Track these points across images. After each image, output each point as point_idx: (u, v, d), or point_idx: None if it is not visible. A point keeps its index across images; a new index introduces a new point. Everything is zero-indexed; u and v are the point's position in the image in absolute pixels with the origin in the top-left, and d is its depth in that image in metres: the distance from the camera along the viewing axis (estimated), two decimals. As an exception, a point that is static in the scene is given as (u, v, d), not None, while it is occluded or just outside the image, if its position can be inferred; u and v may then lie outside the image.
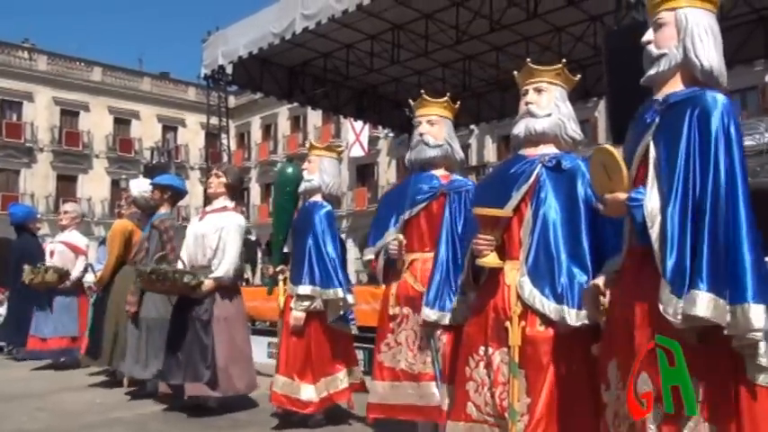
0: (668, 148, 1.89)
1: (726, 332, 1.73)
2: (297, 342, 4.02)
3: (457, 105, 3.52)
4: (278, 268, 4.39)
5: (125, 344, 5.23)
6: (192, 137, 33.72)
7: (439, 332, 3.10)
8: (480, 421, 2.45)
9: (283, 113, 31.65)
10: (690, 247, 1.77)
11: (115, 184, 29.37)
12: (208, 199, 4.96)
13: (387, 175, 27.52)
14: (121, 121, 32.43)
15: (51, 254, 7.05)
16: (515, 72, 2.72)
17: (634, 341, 1.88)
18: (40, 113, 29.73)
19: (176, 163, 27.73)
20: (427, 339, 3.18)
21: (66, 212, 7.38)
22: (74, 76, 30.99)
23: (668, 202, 1.82)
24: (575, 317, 2.31)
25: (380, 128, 20.57)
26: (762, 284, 1.73)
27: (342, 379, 4.08)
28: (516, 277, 2.43)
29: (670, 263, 1.78)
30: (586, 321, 2.29)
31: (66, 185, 30.28)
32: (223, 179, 4.72)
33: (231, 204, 4.76)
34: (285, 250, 4.42)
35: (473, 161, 23.80)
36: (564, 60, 2.70)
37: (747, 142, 10.45)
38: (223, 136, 13.32)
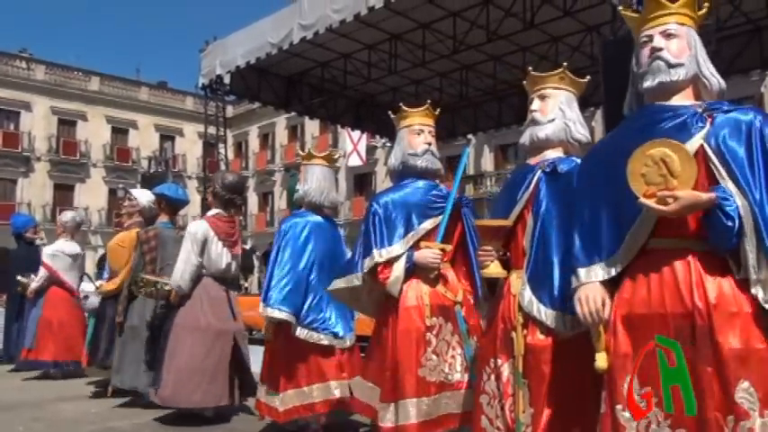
0: (738, 152, 1.89)
1: None
2: (271, 353, 4.01)
3: (437, 112, 3.52)
4: None
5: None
6: (189, 146, 33.77)
7: (474, 339, 3.08)
8: None
9: (281, 123, 31.71)
10: None
11: (112, 193, 29.38)
12: (203, 207, 4.96)
13: (384, 184, 27.54)
14: (119, 131, 32.47)
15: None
16: (524, 82, 2.73)
17: (707, 348, 1.79)
18: (38, 123, 29.76)
19: (173, 172, 27.70)
20: (464, 346, 3.15)
21: (59, 222, 7.45)
22: (71, 86, 31.06)
23: (755, 200, 1.81)
24: (570, 324, 2.28)
25: (378, 137, 20.61)
26: None
27: (307, 394, 3.89)
28: (520, 286, 2.43)
29: None
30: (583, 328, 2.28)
31: (63, 195, 30.27)
32: (211, 188, 4.73)
33: (214, 212, 4.67)
34: None
35: (470, 171, 23.84)
36: (565, 63, 2.69)
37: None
38: (220, 145, 13.33)
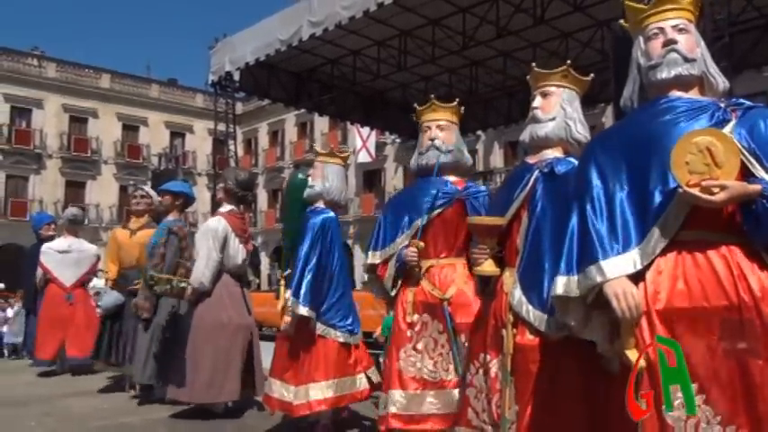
0: (765, 142, 1.89)
1: None
2: (290, 347, 3.99)
3: (462, 110, 3.49)
4: (285, 273, 4.38)
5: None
6: (199, 143, 33.86)
7: (463, 337, 3.07)
8: (477, 428, 2.47)
9: (290, 120, 31.74)
10: None
11: (123, 190, 29.50)
12: (213, 204, 4.96)
13: (394, 181, 27.51)
14: (130, 128, 32.60)
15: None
16: (528, 78, 2.71)
17: (756, 341, 1.76)
18: (50, 120, 29.93)
19: (184, 169, 27.75)
20: (451, 345, 3.15)
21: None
22: (83, 84, 31.21)
23: None
24: (556, 326, 2.24)
25: (387, 134, 20.57)
26: None
27: (328, 387, 3.93)
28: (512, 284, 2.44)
29: None
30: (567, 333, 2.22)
31: (74, 191, 30.43)
32: (222, 184, 4.74)
33: (227, 209, 4.72)
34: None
35: (480, 167, 23.77)
36: (569, 62, 2.67)
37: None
38: (230, 142, 13.35)
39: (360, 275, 19.50)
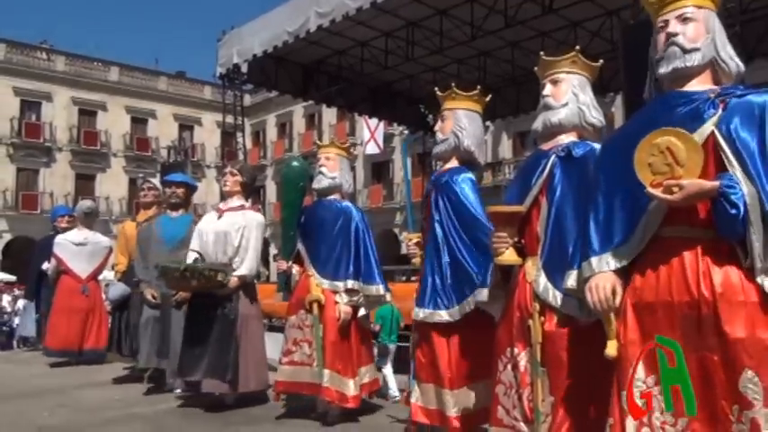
0: (748, 138, 1.85)
1: None
2: (341, 336, 4.06)
3: (475, 96, 3.39)
4: (289, 264, 4.34)
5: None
6: (208, 136, 33.93)
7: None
8: (509, 426, 2.39)
9: (298, 111, 31.73)
10: None
11: (133, 182, 29.63)
12: (222, 196, 4.97)
13: (402, 172, 27.49)
14: (138, 121, 32.70)
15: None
16: (535, 68, 2.69)
17: (712, 337, 1.77)
18: (59, 113, 30.07)
19: (192, 161, 27.89)
20: None
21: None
22: (91, 77, 31.31)
23: (765, 190, 1.78)
24: (588, 310, 2.22)
25: (395, 125, 20.54)
26: None
27: (365, 374, 4.17)
28: (535, 273, 2.40)
29: None
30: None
31: (84, 184, 30.60)
32: (239, 177, 4.73)
33: (247, 202, 4.78)
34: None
35: (488, 157, 23.70)
36: (578, 47, 2.64)
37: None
38: (239, 134, 13.37)
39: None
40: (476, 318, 2.97)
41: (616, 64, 7.87)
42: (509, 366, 2.43)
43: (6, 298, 17.68)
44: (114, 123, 31.60)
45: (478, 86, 3.42)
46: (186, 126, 34.13)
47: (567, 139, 2.53)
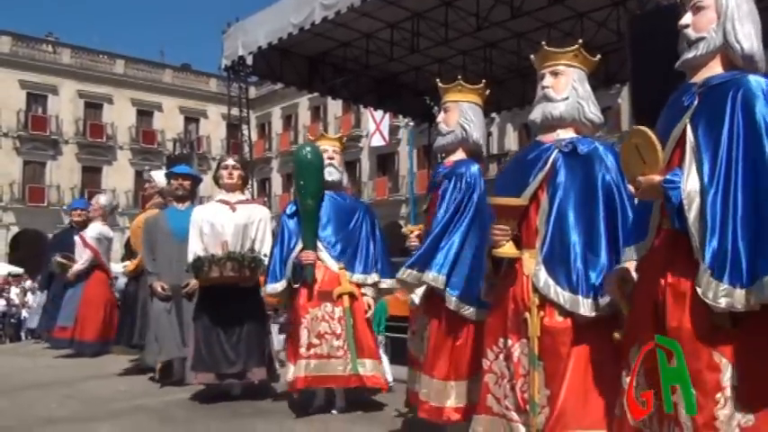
0: (708, 132, 1.85)
1: None
2: (367, 327, 4.13)
3: (480, 89, 3.41)
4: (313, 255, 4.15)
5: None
6: (213, 128, 33.96)
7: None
8: (499, 415, 2.41)
9: (303, 104, 31.71)
10: (741, 230, 1.72)
11: (139, 175, 29.68)
12: (225, 189, 4.85)
13: (407, 164, 27.45)
14: (144, 113, 32.74)
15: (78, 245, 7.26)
16: (532, 56, 2.68)
17: (663, 323, 1.84)
18: (65, 106, 30.13)
19: (198, 154, 27.92)
20: None
21: (91, 205, 7.59)
22: (97, 69, 31.34)
23: (710, 186, 1.79)
24: (589, 307, 2.27)
25: (401, 117, 20.50)
26: None
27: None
28: (533, 267, 2.40)
29: (710, 248, 1.75)
30: (605, 311, 2.25)
31: (91, 177, 30.70)
32: (241, 171, 4.79)
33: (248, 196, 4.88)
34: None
35: (494, 149, 23.63)
36: (580, 41, 2.63)
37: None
38: (244, 127, 13.36)
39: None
40: None
41: (622, 55, 7.81)
42: (501, 357, 2.44)
43: (14, 290, 17.77)
44: (120, 116, 31.64)
45: (483, 80, 3.41)
46: (192, 118, 34.16)
47: (564, 133, 2.53)
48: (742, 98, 1.82)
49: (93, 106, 31.22)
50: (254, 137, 25.44)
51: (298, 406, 4.21)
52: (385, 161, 28.87)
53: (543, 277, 2.35)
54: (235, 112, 13.20)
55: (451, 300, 3.00)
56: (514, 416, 2.36)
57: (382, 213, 25.29)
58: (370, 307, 4.15)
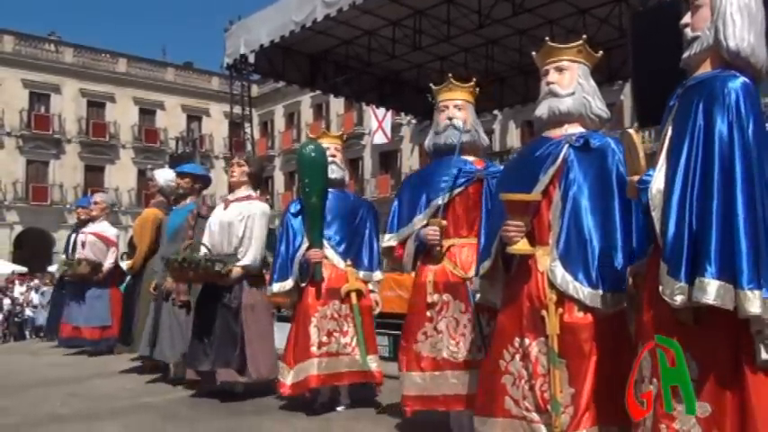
0: (678, 133, 1.87)
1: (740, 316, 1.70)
2: (372, 324, 4.21)
3: (477, 90, 3.49)
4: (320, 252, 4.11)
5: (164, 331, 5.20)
6: (215, 126, 33.96)
7: (487, 317, 3.03)
8: (519, 417, 2.35)
9: (306, 102, 31.70)
10: (688, 229, 1.75)
11: (142, 173, 29.70)
12: (230, 188, 4.97)
13: (410, 161, 27.44)
14: (146, 112, 32.76)
15: (83, 245, 7.17)
16: (533, 53, 2.67)
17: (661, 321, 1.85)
18: (68, 105, 30.15)
19: (201, 152, 27.93)
20: (475, 324, 3.11)
21: (96, 203, 7.50)
22: (99, 68, 31.35)
23: (671, 184, 1.81)
24: (610, 301, 2.24)
25: (403, 114, 20.49)
26: (761, 268, 1.68)
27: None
28: (548, 263, 2.36)
29: (668, 246, 1.78)
30: (623, 305, 2.23)
31: (94, 176, 30.73)
32: (246, 168, 4.75)
33: (255, 193, 4.80)
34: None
35: (496, 147, 23.58)
36: (584, 36, 2.63)
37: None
38: (246, 125, 13.36)
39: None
40: None
41: (625, 51, 7.79)
42: (517, 357, 2.39)
43: (19, 289, 17.81)
44: (123, 115, 31.67)
45: (474, 79, 3.50)
46: (194, 117, 34.16)
47: (572, 128, 2.51)
48: (707, 97, 1.83)
49: (96, 105, 31.24)
50: (257, 135, 25.46)
51: (302, 404, 4.22)
52: (387, 159, 28.85)
53: (560, 273, 2.32)
54: (237, 110, 13.20)
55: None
56: (535, 416, 2.31)
57: (385, 210, 25.08)
58: (377, 303, 4.17)
